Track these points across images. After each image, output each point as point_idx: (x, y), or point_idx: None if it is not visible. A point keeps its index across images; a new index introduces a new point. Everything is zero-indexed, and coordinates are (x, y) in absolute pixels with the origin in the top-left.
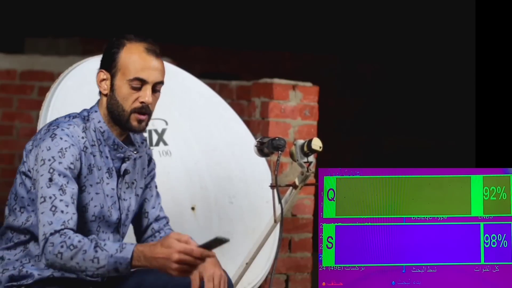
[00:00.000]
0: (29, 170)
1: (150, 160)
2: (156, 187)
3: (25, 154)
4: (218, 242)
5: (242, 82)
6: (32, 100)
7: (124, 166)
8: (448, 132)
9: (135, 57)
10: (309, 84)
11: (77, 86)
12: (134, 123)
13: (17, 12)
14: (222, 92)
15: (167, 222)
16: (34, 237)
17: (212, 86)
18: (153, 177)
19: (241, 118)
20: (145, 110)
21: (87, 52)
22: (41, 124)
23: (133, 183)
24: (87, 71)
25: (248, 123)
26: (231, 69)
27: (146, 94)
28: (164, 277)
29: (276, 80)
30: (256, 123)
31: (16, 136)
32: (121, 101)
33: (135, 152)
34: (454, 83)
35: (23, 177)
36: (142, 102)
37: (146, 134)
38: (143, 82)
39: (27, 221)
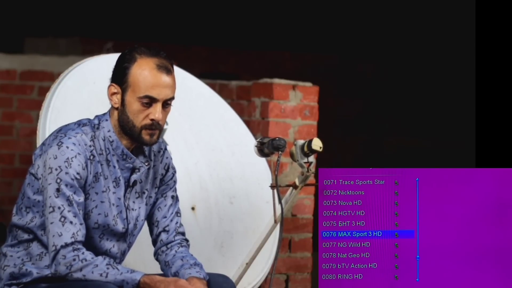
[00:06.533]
0: (37, 174)
1: (168, 168)
2: (174, 197)
3: (34, 158)
4: None
5: (242, 82)
6: (32, 100)
7: (133, 177)
8: (448, 132)
9: (145, 74)
10: (309, 84)
11: (77, 86)
12: (146, 137)
13: (17, 12)
14: (222, 92)
15: (181, 244)
16: (37, 237)
17: (212, 86)
18: (170, 186)
19: (241, 118)
20: (155, 127)
21: (87, 52)
22: (41, 124)
23: (144, 192)
24: (87, 71)
25: (248, 123)
26: (231, 69)
27: (156, 111)
28: None
29: (276, 80)
30: (256, 123)
31: (16, 136)
32: (131, 117)
33: (146, 163)
34: (454, 83)
35: (32, 178)
36: (152, 119)
37: None
38: (153, 99)
39: (32, 221)
